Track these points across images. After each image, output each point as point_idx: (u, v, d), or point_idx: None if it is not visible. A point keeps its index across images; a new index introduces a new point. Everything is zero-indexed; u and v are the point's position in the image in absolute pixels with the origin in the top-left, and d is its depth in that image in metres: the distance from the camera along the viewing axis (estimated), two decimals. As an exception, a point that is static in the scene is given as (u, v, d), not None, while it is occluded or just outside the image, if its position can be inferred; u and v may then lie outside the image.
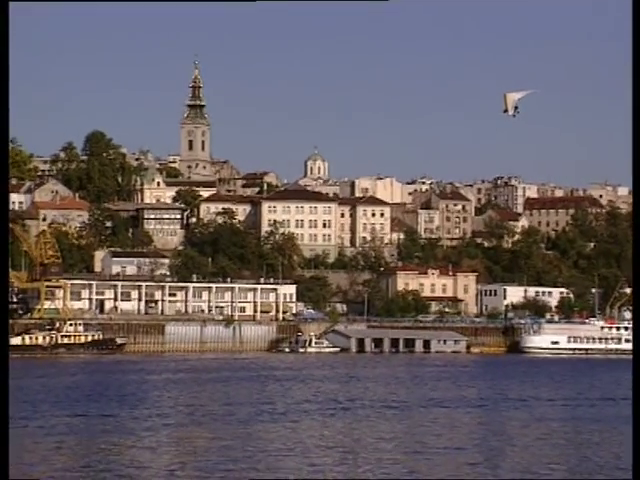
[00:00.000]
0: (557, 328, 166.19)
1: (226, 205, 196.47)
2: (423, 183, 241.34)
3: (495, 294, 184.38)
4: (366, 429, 61.24)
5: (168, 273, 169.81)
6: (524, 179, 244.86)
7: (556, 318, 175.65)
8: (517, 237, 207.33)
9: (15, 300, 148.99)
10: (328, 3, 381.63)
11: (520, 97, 45.11)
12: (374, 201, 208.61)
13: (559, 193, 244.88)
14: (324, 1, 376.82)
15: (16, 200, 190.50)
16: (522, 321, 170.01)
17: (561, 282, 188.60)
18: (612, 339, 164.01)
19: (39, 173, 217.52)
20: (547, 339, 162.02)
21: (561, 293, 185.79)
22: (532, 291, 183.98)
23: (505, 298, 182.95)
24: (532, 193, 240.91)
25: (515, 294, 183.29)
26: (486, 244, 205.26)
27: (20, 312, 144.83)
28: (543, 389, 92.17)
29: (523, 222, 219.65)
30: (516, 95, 45.09)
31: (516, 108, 45.30)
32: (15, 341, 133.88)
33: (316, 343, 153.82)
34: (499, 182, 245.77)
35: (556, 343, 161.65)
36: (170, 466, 47.17)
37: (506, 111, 45.10)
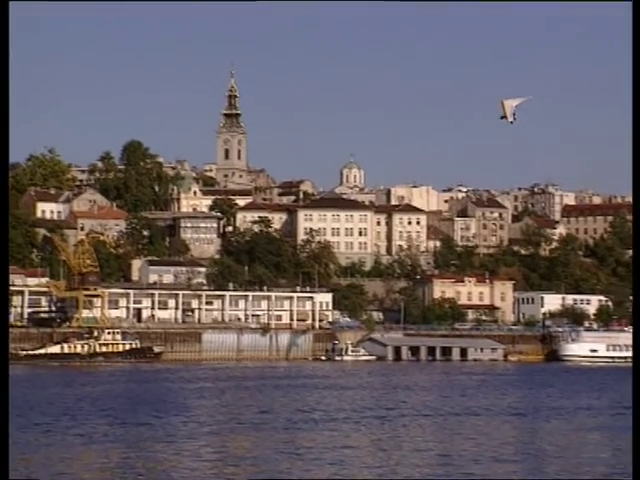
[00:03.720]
0: (596, 336, 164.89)
1: (262, 214, 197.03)
2: (459, 191, 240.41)
3: (532, 302, 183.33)
4: (403, 437, 61.05)
5: (205, 282, 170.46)
6: (561, 186, 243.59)
7: (594, 326, 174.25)
8: (554, 245, 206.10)
9: (54, 309, 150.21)
10: (363, 12, 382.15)
11: (517, 104, 45.07)
12: (410, 209, 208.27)
13: (597, 200, 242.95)
14: (357, 6, 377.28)
15: (54, 210, 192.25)
16: (560, 329, 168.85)
17: (599, 290, 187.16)
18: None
19: (77, 183, 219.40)
20: (585, 347, 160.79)
21: (599, 301, 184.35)
22: (570, 299, 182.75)
23: (542, 306, 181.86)
24: (570, 200, 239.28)
25: (553, 302, 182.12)
26: (523, 252, 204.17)
27: (59, 321, 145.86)
28: (582, 398, 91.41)
29: (561, 229, 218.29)
30: (513, 102, 45.03)
31: (513, 115, 45.28)
32: (54, 350, 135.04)
33: (352, 351, 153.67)
34: (536, 189, 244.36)
35: (595, 351, 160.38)
36: (209, 473, 47.30)
37: (503, 117, 45.01)
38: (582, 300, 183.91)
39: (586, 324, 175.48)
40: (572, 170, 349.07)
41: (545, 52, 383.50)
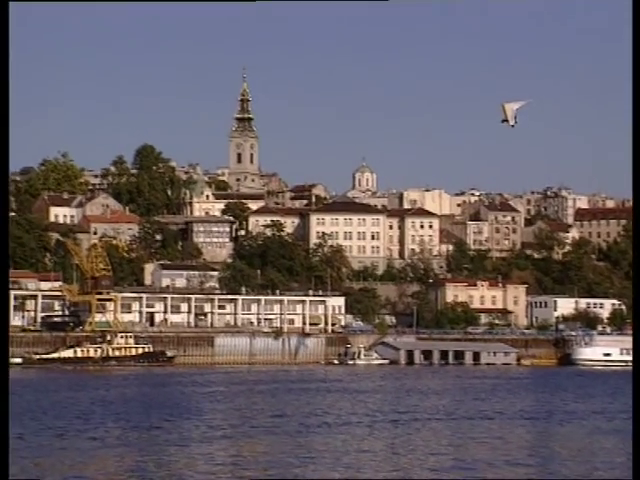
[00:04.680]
0: (609, 340, 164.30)
1: (275, 217, 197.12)
2: (472, 194, 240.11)
3: (545, 306, 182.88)
4: (417, 441, 60.90)
5: (217, 286, 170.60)
6: (574, 190, 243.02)
7: (608, 330, 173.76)
8: (567, 248, 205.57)
9: (67, 313, 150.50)
10: (371, 15, 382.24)
11: (518, 107, 45.01)
12: (423, 213, 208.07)
13: (610, 204, 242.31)
14: (370, 9, 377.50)
15: (68, 214, 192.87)
16: (573, 333, 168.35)
17: (613, 293, 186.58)
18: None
19: (90, 187, 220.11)
20: (599, 351, 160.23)
21: (613, 304, 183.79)
22: (583, 303, 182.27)
23: (556, 310, 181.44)
24: (582, 204, 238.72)
25: (566, 306, 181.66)
26: (536, 255, 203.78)
27: (72, 325, 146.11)
28: (596, 402, 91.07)
29: (574, 233, 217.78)
30: (514, 105, 44.98)
31: (515, 118, 45.23)
32: (67, 354, 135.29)
33: (365, 355, 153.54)
34: (549, 193, 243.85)
35: (608, 355, 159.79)
36: (223, 477, 47.25)
37: (505, 121, 44.94)
38: (595, 304, 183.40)
39: (599, 328, 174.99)
40: (585, 173, 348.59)
41: (561, 54, 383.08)
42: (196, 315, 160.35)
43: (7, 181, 78.27)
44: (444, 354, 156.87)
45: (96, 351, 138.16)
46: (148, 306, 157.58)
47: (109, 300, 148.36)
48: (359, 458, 53.29)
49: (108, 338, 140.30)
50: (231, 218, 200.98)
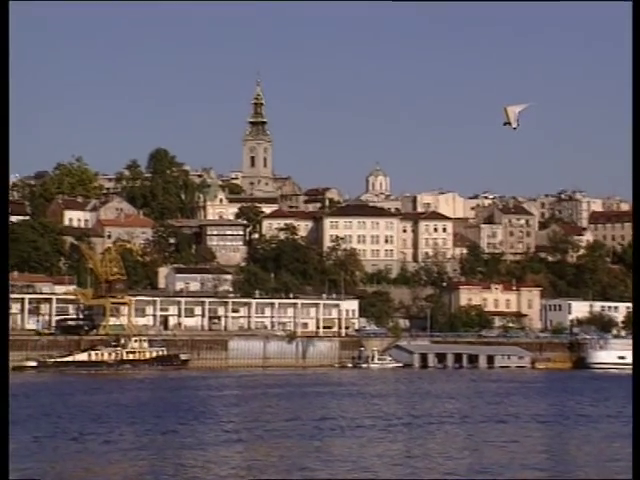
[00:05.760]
0: (624, 343, 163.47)
1: (288, 221, 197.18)
2: (486, 198, 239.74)
3: (560, 309, 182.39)
4: (432, 445, 60.80)
5: (231, 289, 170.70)
6: (588, 192, 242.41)
7: (623, 333, 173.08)
8: (582, 251, 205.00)
9: (81, 317, 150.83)
10: (385, 18, 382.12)
11: (520, 110, 45.06)
12: (436, 216, 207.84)
13: (625, 207, 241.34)
14: (383, 12, 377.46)
15: (82, 218, 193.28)
16: (588, 336, 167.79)
17: (627, 296, 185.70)
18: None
19: (104, 191, 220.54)
20: (613, 354, 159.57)
21: (628, 308, 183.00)
22: (598, 306, 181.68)
23: (570, 313, 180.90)
24: (597, 207, 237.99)
25: (580, 309, 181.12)
26: (550, 259, 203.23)
27: (86, 329, 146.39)
28: (610, 405, 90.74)
29: (588, 236, 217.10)
30: (516, 108, 45.06)
31: (517, 121, 45.28)
32: (81, 357, 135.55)
33: (379, 359, 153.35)
34: (563, 196, 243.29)
35: (623, 358, 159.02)
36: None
37: (507, 124, 45.01)
38: (610, 307, 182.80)
39: (614, 331, 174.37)
40: (599, 176, 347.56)
41: (580, 57, 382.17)
42: (210, 318, 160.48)
43: (7, 181, 78.88)
44: (458, 357, 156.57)
45: (110, 355, 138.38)
46: (162, 310, 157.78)
47: (123, 304, 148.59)
48: (374, 462, 53.23)
49: (122, 342, 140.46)
50: (245, 222, 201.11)
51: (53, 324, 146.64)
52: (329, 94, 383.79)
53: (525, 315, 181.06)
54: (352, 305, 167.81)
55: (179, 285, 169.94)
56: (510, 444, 61.46)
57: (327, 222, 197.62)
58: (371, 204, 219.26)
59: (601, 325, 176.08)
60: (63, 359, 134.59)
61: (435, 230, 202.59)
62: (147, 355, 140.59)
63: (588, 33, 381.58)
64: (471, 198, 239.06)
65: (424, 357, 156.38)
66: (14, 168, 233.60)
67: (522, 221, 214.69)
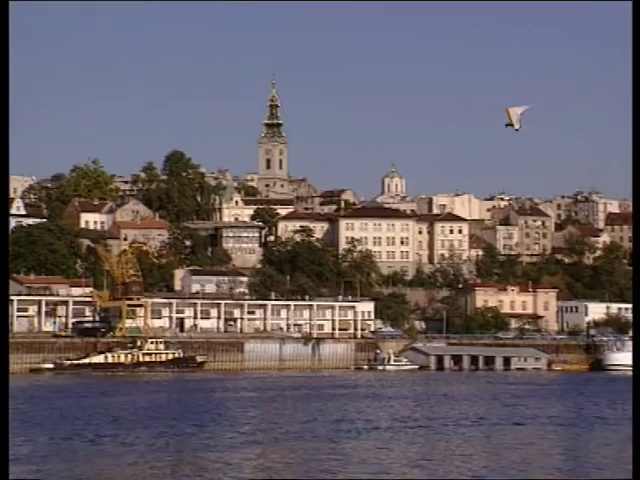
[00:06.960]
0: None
1: (304, 223, 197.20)
2: (501, 199, 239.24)
3: (576, 311, 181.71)
4: (449, 447, 60.64)
5: (247, 291, 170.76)
6: (605, 194, 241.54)
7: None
8: (598, 253, 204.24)
9: (97, 319, 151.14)
10: (403, 18, 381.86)
11: (521, 112, 44.94)
12: (452, 218, 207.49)
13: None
14: (397, 14, 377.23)
15: (98, 220, 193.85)
16: (605, 338, 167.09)
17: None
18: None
19: (120, 193, 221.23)
20: (630, 356, 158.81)
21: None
22: (614, 307, 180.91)
23: (587, 315, 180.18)
24: (613, 208, 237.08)
25: (597, 311, 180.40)
26: (566, 260, 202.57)
27: (102, 331, 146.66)
28: (627, 407, 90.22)
29: (604, 238, 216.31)
30: (518, 109, 44.94)
31: (519, 122, 45.16)
32: (98, 359, 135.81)
33: (395, 361, 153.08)
34: (579, 197, 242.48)
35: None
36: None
37: (509, 125, 44.88)
38: (627, 308, 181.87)
39: (631, 333, 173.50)
40: (616, 177, 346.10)
41: (597, 57, 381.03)
42: (226, 321, 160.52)
43: (7, 181, 79.14)
44: (474, 359, 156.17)
45: (127, 357, 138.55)
46: (178, 312, 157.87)
47: (139, 306, 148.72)
48: (391, 464, 53.13)
49: (138, 344, 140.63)
50: (260, 224, 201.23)
51: (70, 326, 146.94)
52: (344, 96, 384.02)
53: (541, 317, 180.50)
54: (368, 307, 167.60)
55: (195, 287, 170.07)
56: (527, 446, 61.26)
57: (343, 224, 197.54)
58: (387, 206, 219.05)
59: (618, 327, 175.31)
60: (80, 361, 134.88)
61: (451, 232, 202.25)
62: (163, 357, 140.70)
63: (611, 33, 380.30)
64: (487, 199, 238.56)
65: (440, 359, 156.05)
66: (31, 171, 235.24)
67: (538, 222, 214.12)
